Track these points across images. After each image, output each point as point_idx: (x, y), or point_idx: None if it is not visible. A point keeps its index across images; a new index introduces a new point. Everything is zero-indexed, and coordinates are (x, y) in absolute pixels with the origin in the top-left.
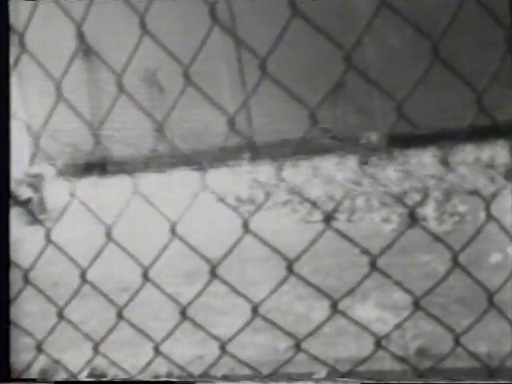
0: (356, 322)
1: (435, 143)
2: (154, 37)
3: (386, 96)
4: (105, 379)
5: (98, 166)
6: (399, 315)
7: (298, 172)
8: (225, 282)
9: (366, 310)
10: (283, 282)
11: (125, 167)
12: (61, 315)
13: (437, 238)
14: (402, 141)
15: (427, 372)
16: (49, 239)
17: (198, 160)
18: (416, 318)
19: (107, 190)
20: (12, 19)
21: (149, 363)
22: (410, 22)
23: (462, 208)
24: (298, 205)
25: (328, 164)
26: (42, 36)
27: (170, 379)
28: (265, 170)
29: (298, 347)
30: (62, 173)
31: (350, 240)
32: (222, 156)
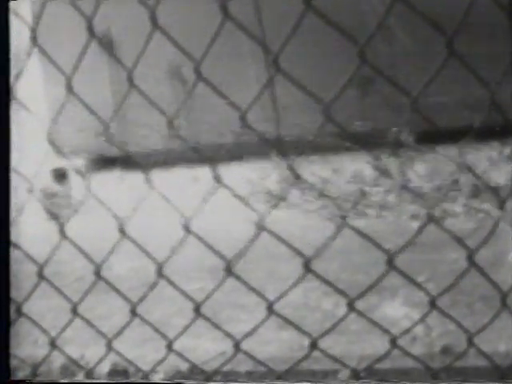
0: (372, 321)
1: (461, 139)
2: (166, 33)
3: (401, 92)
4: (105, 380)
5: (121, 160)
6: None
7: (325, 167)
8: (238, 279)
9: (393, 308)
10: (300, 280)
11: (148, 161)
12: (75, 311)
13: (454, 237)
14: (431, 137)
15: (444, 370)
16: (63, 235)
17: (218, 155)
18: (441, 316)
19: (131, 185)
20: (28, 12)
21: (161, 360)
22: (425, 18)
23: (486, 205)
24: (322, 201)
25: (357, 160)
26: (59, 29)
27: (170, 380)
28: (287, 166)
29: (313, 345)
30: (88, 167)
31: (366, 237)
32: (241, 151)
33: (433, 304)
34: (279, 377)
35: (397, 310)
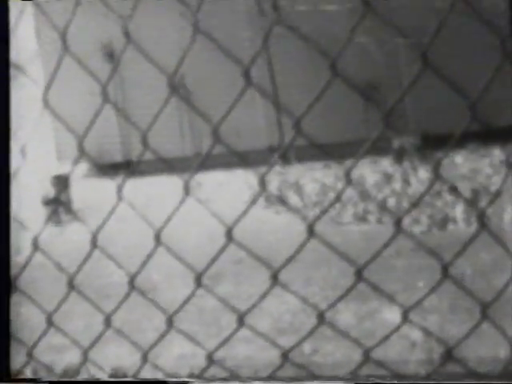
0: (341, 332)
1: (466, 145)
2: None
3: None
4: (104, 379)
5: (124, 166)
6: (426, 319)
7: (329, 174)
8: (211, 291)
9: (393, 313)
10: (267, 292)
11: (153, 167)
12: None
13: (427, 250)
14: (434, 142)
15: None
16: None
17: (226, 161)
18: (443, 321)
19: (134, 191)
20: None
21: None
22: (399, 30)
23: (488, 210)
24: (329, 206)
25: (360, 166)
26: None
27: (169, 379)
28: (295, 172)
29: (285, 357)
30: (89, 173)
31: (333, 249)
32: (255, 157)
33: (405, 317)
34: (279, 377)
35: (395, 315)
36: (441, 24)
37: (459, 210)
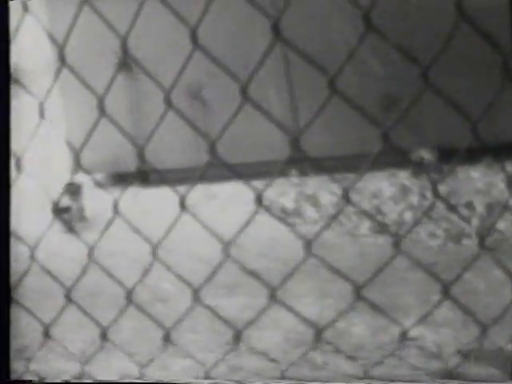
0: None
1: (482, 159)
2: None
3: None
4: (104, 379)
5: (138, 176)
6: (439, 333)
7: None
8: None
9: (408, 326)
10: (265, 309)
11: (167, 178)
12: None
13: (428, 272)
14: (452, 156)
15: None
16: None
17: (245, 172)
18: (459, 335)
19: (148, 201)
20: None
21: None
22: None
23: (501, 225)
24: (345, 218)
25: (377, 178)
26: (83, 47)
27: (173, 381)
28: (312, 184)
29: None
30: (103, 183)
31: (333, 269)
32: (269, 168)
33: (404, 335)
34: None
35: (411, 329)
36: (444, 45)
37: (474, 225)
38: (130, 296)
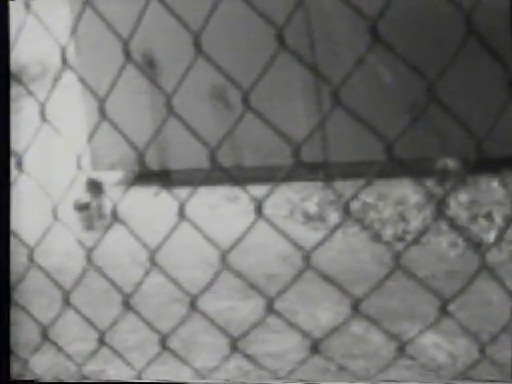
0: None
1: (504, 169)
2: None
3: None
4: (104, 380)
5: (159, 176)
6: (453, 342)
7: (371, 192)
8: (204, 318)
9: (423, 335)
10: (262, 320)
11: (187, 178)
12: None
13: (425, 286)
14: (475, 166)
15: None
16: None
17: (266, 175)
18: (468, 346)
19: (167, 200)
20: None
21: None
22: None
23: None
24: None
25: (401, 186)
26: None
27: (172, 381)
28: (337, 188)
29: None
30: (123, 181)
31: (330, 281)
32: (292, 172)
33: (401, 349)
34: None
35: (425, 337)
36: (450, 61)
37: (492, 236)
38: (129, 297)
